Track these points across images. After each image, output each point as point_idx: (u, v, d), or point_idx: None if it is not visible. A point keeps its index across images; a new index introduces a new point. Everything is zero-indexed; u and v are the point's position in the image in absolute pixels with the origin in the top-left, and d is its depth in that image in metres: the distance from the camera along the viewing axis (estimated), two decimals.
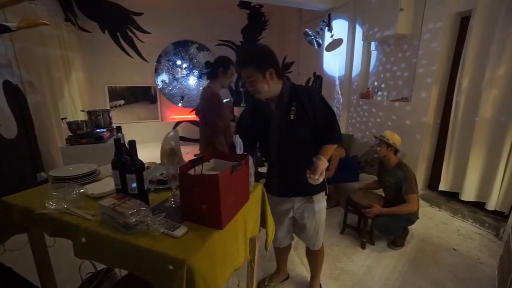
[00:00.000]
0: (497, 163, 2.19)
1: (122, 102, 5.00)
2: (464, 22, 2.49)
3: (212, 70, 1.94)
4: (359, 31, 3.46)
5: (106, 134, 2.46)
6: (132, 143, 0.95)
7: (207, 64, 1.96)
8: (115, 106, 4.92)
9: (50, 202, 0.99)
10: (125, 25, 4.66)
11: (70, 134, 2.34)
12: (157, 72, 5.09)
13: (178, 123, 5.35)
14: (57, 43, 3.38)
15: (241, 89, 5.58)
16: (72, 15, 4.19)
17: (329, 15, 3.79)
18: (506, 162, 2.16)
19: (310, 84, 4.85)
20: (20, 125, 2.54)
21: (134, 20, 4.69)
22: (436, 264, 1.92)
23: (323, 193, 1.39)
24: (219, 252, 0.86)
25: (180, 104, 5.37)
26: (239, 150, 1.15)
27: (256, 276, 1.39)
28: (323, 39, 3.87)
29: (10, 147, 2.40)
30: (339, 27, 3.72)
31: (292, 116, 1.22)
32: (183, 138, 5.36)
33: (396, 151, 2.09)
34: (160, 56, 5.03)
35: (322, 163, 1.15)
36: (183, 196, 0.88)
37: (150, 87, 5.10)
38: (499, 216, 2.34)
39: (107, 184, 1.16)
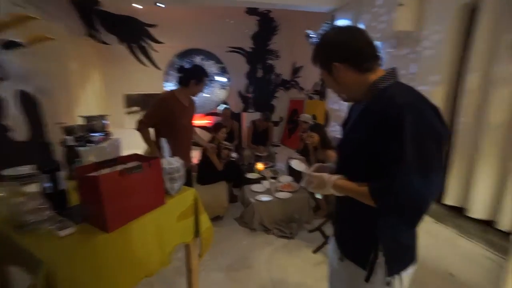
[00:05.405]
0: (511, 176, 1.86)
1: (137, 108, 5.32)
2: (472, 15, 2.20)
3: (184, 78, 1.95)
4: None
5: (99, 138, 2.63)
6: (48, 145, 0.98)
7: (180, 69, 1.99)
8: (130, 112, 5.25)
9: None
10: (140, 37, 5.00)
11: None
12: (166, 80, 5.33)
13: None
14: (76, 56, 3.74)
15: (249, 95, 5.60)
16: (95, 31, 4.62)
17: (333, 16, 3.65)
18: None
19: (316, 89, 4.68)
20: (34, 130, 2.83)
21: (148, 31, 5.01)
22: None
23: None
24: (109, 255, 0.84)
25: None
26: (165, 154, 1.14)
27: (197, 282, 1.34)
28: None
29: (22, 149, 2.68)
30: None
31: (357, 133, 0.80)
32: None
33: None
34: (168, 64, 5.26)
35: (327, 180, 0.80)
36: (80, 197, 0.89)
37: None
38: None
39: None
